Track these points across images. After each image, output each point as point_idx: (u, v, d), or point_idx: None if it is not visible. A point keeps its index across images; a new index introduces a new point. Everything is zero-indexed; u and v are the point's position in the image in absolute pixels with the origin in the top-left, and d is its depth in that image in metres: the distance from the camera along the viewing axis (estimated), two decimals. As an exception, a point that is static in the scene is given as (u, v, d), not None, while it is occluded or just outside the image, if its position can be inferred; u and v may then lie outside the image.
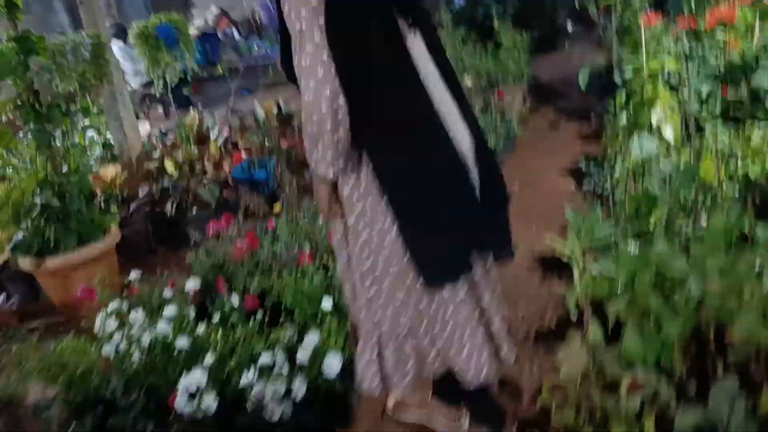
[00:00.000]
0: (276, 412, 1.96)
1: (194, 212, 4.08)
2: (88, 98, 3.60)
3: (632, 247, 2.13)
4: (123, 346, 2.31)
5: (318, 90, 1.48)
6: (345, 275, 1.91)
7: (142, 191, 4.14)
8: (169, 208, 4.02)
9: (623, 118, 3.20)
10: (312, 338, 2.07)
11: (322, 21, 1.48)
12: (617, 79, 3.94)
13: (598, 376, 1.95)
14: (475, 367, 1.81)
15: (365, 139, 1.60)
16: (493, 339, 1.86)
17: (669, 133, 2.88)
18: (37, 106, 3.15)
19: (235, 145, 5.01)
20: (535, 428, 2.05)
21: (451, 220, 1.67)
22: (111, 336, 2.37)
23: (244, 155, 4.92)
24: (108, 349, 2.32)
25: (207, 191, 4.06)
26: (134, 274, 2.61)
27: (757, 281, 1.80)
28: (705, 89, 3.53)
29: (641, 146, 2.71)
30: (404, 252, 1.69)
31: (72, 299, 3.29)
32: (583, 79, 4.69)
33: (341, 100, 1.50)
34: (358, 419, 2.31)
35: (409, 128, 1.63)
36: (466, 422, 2.17)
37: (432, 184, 1.65)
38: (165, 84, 5.66)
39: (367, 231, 1.71)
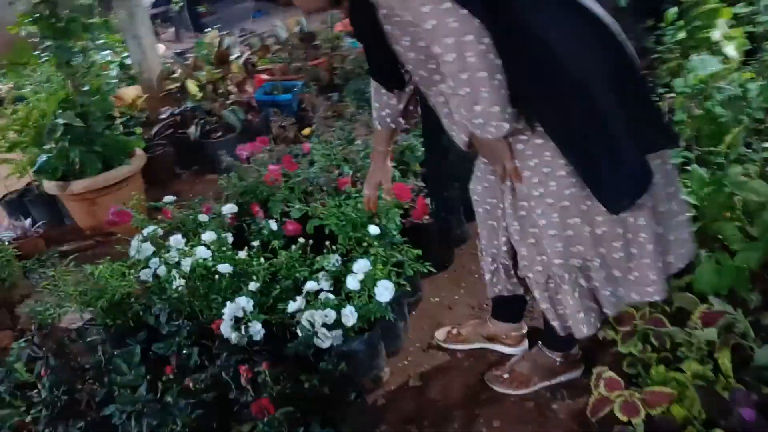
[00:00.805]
0: (326, 339, 1.89)
1: (218, 135, 3.95)
2: (105, 14, 3.39)
3: (703, 170, 2.00)
4: (162, 271, 2.23)
5: (458, 41, 1.29)
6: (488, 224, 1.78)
7: (164, 113, 3.99)
8: (193, 130, 3.88)
9: (678, 35, 2.99)
10: (363, 264, 1.97)
11: None
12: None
13: (665, 306, 1.86)
14: (651, 285, 1.63)
15: (523, 67, 1.40)
16: (668, 246, 1.65)
17: (731, 50, 2.69)
18: (55, 19, 2.97)
19: (255, 66, 4.82)
20: (598, 358, 1.98)
21: (629, 136, 1.47)
22: (147, 261, 2.29)
23: (265, 76, 4.75)
24: (146, 274, 2.25)
25: (231, 114, 3.91)
26: (168, 198, 2.50)
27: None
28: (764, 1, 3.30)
29: (702, 65, 2.52)
30: (585, 190, 1.51)
31: (99, 223, 3.22)
32: (623, -4, 4.41)
33: (487, 38, 1.31)
34: (405, 350, 2.26)
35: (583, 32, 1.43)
36: (525, 343, 2.12)
37: (609, 99, 1.45)
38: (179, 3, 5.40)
39: (542, 186, 1.54)
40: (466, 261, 2.69)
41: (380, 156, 1.95)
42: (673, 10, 3.37)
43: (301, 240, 2.24)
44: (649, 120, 1.54)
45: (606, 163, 1.50)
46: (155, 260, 2.27)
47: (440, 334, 2.26)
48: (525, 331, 2.15)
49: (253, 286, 2.04)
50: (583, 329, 1.69)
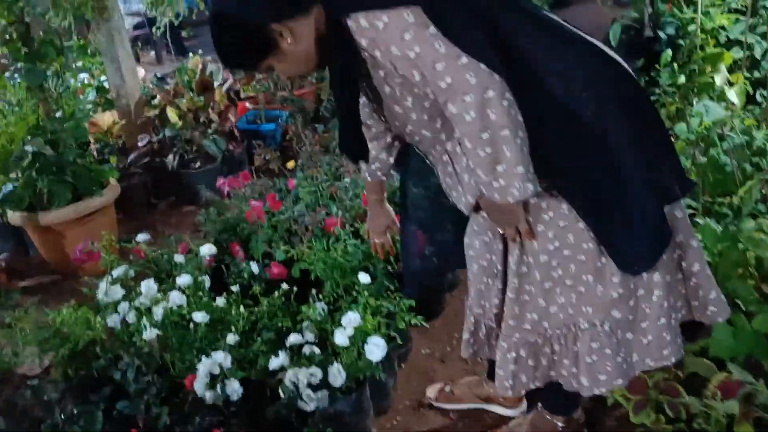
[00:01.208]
0: (311, 402, 1.72)
1: (198, 165, 3.78)
2: (83, 36, 3.24)
3: (714, 224, 1.89)
4: (131, 317, 2.06)
5: (478, 99, 1.18)
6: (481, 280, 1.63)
7: (142, 141, 3.82)
8: (171, 160, 3.71)
9: (677, 79, 2.92)
10: (352, 317, 1.81)
11: (432, 29, 1.19)
12: (662, 35, 3.65)
13: (678, 371, 1.73)
14: (666, 347, 1.50)
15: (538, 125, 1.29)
16: (687, 299, 1.54)
17: (733, 96, 2.61)
18: (27, 41, 2.80)
19: (238, 94, 4.69)
20: (603, 423, 1.84)
21: (647, 187, 1.37)
22: (116, 305, 2.12)
23: (249, 105, 4.61)
24: (114, 320, 2.07)
25: (212, 143, 3.75)
26: (141, 236, 2.32)
27: None
28: (759, 50, 3.26)
29: (706, 111, 2.44)
30: (600, 250, 1.40)
31: (67, 257, 3.02)
32: (614, 35, 4.38)
33: (509, 93, 1.20)
34: (394, 408, 2.09)
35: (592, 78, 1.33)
36: (524, 404, 1.97)
37: (629, 150, 1.34)
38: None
39: (558, 240, 1.42)
40: (458, 309, 2.54)
41: (376, 203, 1.88)
42: (668, 53, 3.32)
43: (285, 286, 2.09)
44: (667, 167, 1.44)
45: (622, 222, 1.39)
46: (125, 305, 2.10)
47: (432, 391, 2.10)
48: (523, 392, 2.00)
49: (231, 338, 1.87)
50: (580, 387, 1.55)
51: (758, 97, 3.01)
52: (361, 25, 1.22)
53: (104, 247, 2.17)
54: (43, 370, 2.36)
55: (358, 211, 2.41)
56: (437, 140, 1.41)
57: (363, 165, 1.74)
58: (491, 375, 1.98)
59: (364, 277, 1.98)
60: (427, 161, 1.54)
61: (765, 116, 2.51)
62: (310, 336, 1.91)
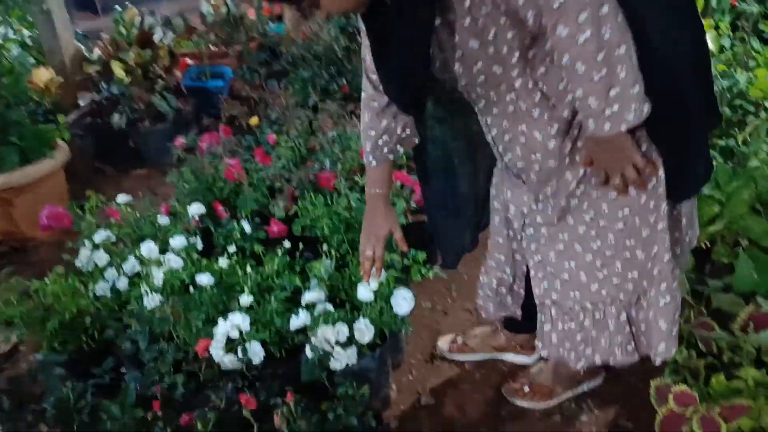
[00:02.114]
0: (341, 359, 1.64)
1: (147, 125, 3.53)
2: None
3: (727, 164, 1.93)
4: (122, 284, 1.90)
5: (594, 16, 1.09)
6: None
7: (83, 100, 3.52)
8: (117, 120, 3.44)
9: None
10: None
11: None
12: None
13: (701, 307, 1.77)
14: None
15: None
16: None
17: (709, 41, 2.67)
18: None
19: (174, 49, 4.39)
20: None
21: (703, 113, 1.36)
22: (102, 272, 1.95)
23: (189, 61, 4.34)
24: (103, 289, 1.90)
25: (162, 101, 3.50)
26: (123, 198, 2.14)
27: None
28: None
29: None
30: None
31: (17, 227, 2.77)
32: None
33: (621, 9, 1.11)
34: (407, 363, 2.04)
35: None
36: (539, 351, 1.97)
37: (691, 76, 1.30)
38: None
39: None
40: (450, 261, 2.51)
41: (380, 199, 1.62)
42: None
43: (287, 244, 1.98)
44: (711, 95, 1.42)
45: (687, 147, 1.36)
46: (112, 271, 1.93)
47: (443, 343, 2.06)
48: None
49: (245, 299, 1.76)
50: (611, 359, 1.56)
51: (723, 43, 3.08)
52: None
53: (91, 209, 1.97)
54: (11, 347, 2.17)
55: (352, 165, 2.30)
56: (507, 77, 1.31)
57: (366, 146, 1.58)
58: (509, 327, 1.96)
59: (376, 230, 1.90)
60: (477, 106, 1.44)
61: (738, 60, 2.58)
62: (321, 294, 1.83)
